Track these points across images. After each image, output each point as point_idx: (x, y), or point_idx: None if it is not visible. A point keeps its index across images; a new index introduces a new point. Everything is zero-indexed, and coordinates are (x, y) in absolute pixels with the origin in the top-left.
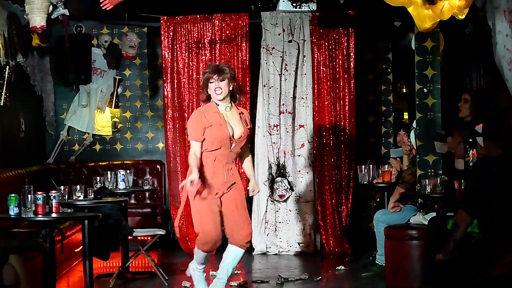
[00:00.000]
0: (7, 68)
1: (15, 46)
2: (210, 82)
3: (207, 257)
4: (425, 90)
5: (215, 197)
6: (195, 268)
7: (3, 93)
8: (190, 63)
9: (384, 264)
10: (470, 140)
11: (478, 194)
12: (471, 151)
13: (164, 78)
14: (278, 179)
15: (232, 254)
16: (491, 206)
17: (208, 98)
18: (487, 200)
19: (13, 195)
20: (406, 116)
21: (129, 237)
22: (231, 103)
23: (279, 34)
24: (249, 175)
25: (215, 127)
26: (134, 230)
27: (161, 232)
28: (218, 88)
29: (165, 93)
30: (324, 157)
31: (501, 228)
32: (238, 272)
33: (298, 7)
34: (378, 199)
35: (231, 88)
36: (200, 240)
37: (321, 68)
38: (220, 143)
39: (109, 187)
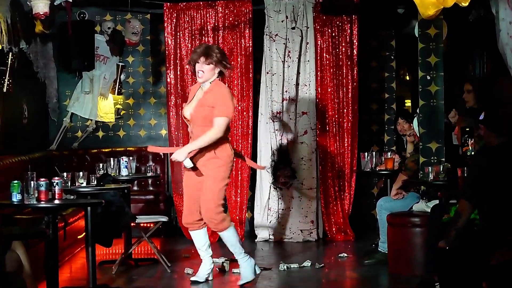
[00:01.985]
0: (10, 55)
1: (18, 33)
2: (192, 63)
3: (194, 237)
4: (428, 77)
5: (193, 174)
6: (202, 258)
7: (6, 80)
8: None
9: (386, 252)
10: (468, 129)
11: (479, 183)
12: (469, 141)
13: (167, 65)
14: (281, 166)
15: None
16: (492, 195)
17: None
18: (488, 189)
19: (16, 181)
20: (408, 103)
21: (132, 224)
22: (211, 82)
23: (282, 21)
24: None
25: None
26: (136, 217)
27: (164, 219)
28: (201, 71)
29: (168, 80)
30: (327, 144)
31: (502, 217)
32: None
33: None
34: (382, 185)
35: (217, 71)
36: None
37: (324, 55)
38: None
39: (112, 174)
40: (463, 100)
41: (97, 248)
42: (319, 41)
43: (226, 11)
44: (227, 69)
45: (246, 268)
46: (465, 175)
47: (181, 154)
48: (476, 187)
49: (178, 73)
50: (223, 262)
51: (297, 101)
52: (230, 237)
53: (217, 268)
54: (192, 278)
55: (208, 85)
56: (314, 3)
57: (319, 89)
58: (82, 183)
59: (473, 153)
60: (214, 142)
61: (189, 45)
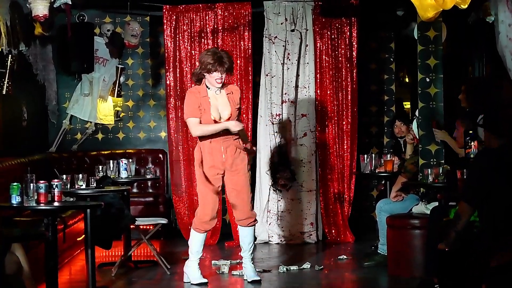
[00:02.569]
0: (9, 57)
1: (17, 35)
2: (213, 71)
3: (203, 240)
4: (428, 80)
5: (217, 176)
6: (191, 261)
7: (5, 82)
8: (193, 52)
9: (386, 254)
10: (471, 132)
11: (479, 185)
12: (472, 143)
13: (167, 67)
14: (281, 168)
15: (241, 233)
16: (492, 197)
17: (200, 80)
18: (488, 191)
19: (15, 184)
20: (408, 105)
21: (131, 226)
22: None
23: (281, 23)
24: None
25: (202, 112)
26: (136, 219)
27: (163, 221)
28: (219, 78)
29: (168, 82)
30: (326, 146)
31: (502, 218)
32: (241, 261)
33: None
34: (382, 188)
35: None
36: (198, 218)
37: (324, 57)
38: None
39: (111, 176)
40: (459, 100)
41: (96, 250)
42: (318, 43)
43: (226, 14)
44: (231, 74)
45: (252, 267)
46: (465, 177)
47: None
48: (476, 189)
49: (178, 75)
50: (222, 265)
51: (296, 103)
52: (253, 233)
53: (216, 270)
54: (195, 282)
55: (219, 89)
56: (314, 5)
57: (318, 91)
58: (82, 185)
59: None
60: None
61: (188, 48)
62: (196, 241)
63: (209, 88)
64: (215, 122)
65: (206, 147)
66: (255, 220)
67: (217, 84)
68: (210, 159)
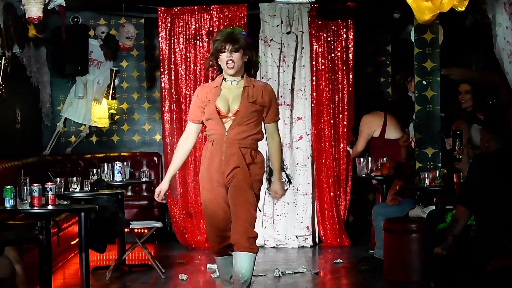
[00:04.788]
0: (3, 59)
1: (11, 37)
2: (222, 52)
3: (224, 265)
4: (425, 83)
5: (219, 187)
6: None
7: None
8: (188, 54)
9: (382, 257)
10: (458, 132)
11: (477, 188)
12: (458, 143)
13: (162, 70)
14: None
15: (234, 259)
16: (489, 201)
17: (219, 70)
18: (486, 195)
19: (8, 187)
20: None
21: (126, 230)
22: (244, 76)
23: (277, 26)
24: (273, 169)
25: (207, 105)
26: (130, 222)
27: (158, 224)
28: (231, 61)
29: (163, 84)
30: (322, 149)
31: (499, 223)
32: None
33: None
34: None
35: (245, 60)
36: (208, 238)
37: (320, 60)
38: (210, 121)
39: (105, 179)
40: (456, 100)
41: (90, 254)
42: (314, 46)
43: (221, 16)
44: (254, 63)
45: None
46: (462, 180)
47: (281, 189)
48: (474, 192)
49: (173, 78)
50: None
51: (292, 106)
52: (250, 264)
53: (211, 274)
54: None
55: (240, 79)
56: (310, 7)
57: (314, 94)
58: (76, 188)
59: (461, 156)
60: (255, 145)
61: (184, 50)
62: (218, 266)
63: (225, 80)
64: (219, 114)
65: (209, 150)
66: (251, 247)
67: (229, 70)
68: (209, 164)
